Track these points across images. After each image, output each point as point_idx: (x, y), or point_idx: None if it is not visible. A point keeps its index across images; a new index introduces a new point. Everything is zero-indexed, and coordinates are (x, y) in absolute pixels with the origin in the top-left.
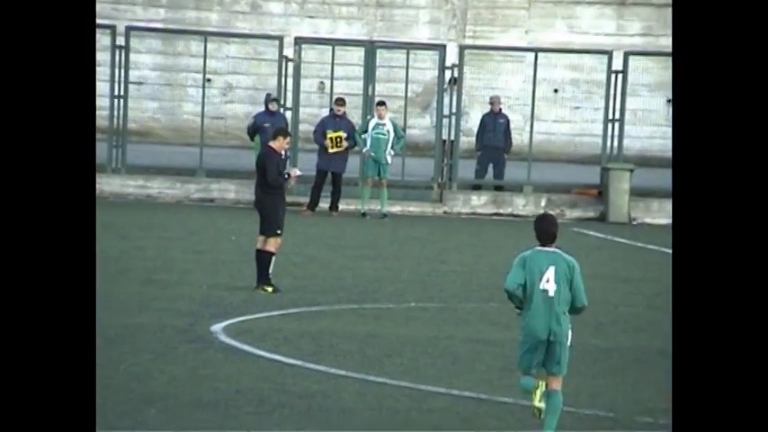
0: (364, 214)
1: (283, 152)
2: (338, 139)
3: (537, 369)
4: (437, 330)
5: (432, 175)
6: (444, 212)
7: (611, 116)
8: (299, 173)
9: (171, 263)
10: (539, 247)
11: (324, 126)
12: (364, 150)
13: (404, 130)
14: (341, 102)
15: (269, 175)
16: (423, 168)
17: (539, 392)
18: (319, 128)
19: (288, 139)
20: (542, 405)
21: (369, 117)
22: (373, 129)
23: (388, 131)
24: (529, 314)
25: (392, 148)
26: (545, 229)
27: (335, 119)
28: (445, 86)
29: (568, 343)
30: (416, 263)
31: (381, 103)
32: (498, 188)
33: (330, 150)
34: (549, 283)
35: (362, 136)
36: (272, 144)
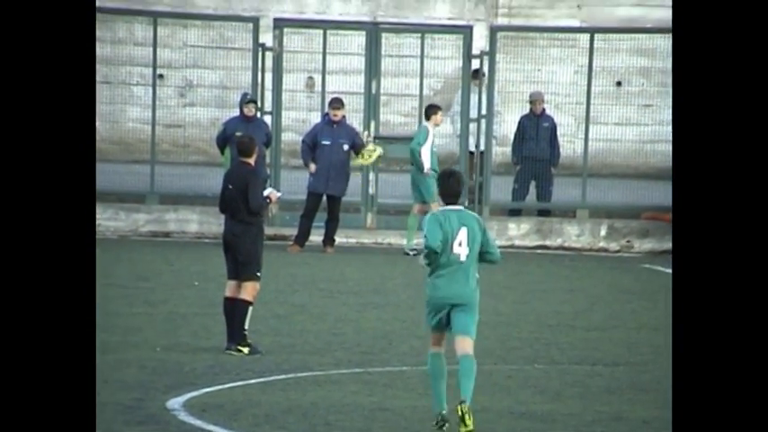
0: (412, 252)
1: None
2: (374, 154)
3: (446, 332)
4: None
5: None
6: None
7: None
8: (279, 195)
9: (113, 319)
10: (447, 207)
11: (316, 136)
12: (427, 169)
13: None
14: (338, 104)
15: (253, 198)
16: None
17: (465, 416)
18: (309, 138)
19: (258, 151)
20: (472, 427)
21: (424, 125)
22: (432, 141)
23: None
24: (438, 276)
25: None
26: (450, 186)
27: (332, 126)
28: (474, 82)
29: (478, 305)
30: None
31: (440, 108)
32: (544, 213)
33: (359, 160)
34: (461, 247)
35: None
36: (250, 160)
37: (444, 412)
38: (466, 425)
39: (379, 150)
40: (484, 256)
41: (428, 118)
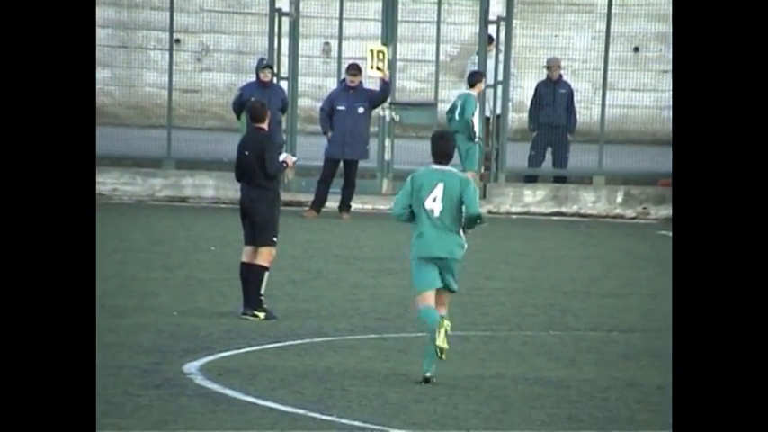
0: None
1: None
2: (380, 55)
3: (434, 287)
4: (481, 367)
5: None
6: (489, 212)
7: None
8: (295, 159)
9: (130, 283)
10: (433, 165)
11: (333, 102)
12: (477, 139)
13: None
14: (355, 69)
15: (270, 163)
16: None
17: (443, 332)
18: (327, 105)
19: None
20: (446, 346)
21: (468, 93)
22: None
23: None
24: (417, 232)
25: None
26: (441, 147)
27: (348, 92)
28: (489, 48)
29: (460, 259)
30: None
31: (483, 76)
32: (560, 179)
33: (369, 70)
34: (435, 202)
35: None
36: (263, 125)
37: (429, 375)
38: (442, 339)
39: (377, 47)
40: (465, 212)
41: (472, 86)
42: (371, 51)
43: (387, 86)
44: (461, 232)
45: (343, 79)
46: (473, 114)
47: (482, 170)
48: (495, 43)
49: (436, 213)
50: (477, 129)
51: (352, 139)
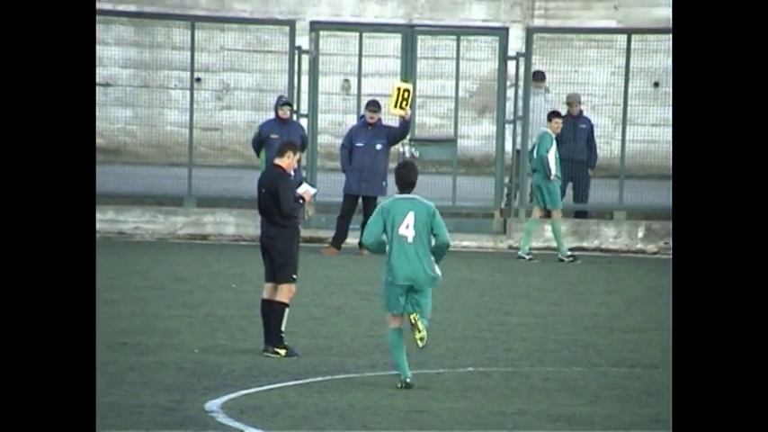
0: (527, 257)
1: (293, 172)
2: (405, 93)
3: (402, 311)
4: (503, 404)
5: (492, 200)
6: (510, 247)
7: None
8: (313, 191)
9: (151, 321)
10: (397, 195)
11: (352, 138)
12: (552, 176)
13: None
14: (374, 106)
15: (284, 202)
16: (480, 190)
17: (416, 326)
18: (347, 142)
19: (298, 155)
20: (424, 333)
21: (544, 133)
22: (556, 147)
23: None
24: (391, 259)
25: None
26: (404, 177)
27: (367, 128)
28: (537, 85)
29: (437, 283)
30: (474, 314)
31: (559, 114)
32: (581, 214)
33: (393, 109)
34: (408, 229)
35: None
36: (280, 162)
37: (408, 380)
38: (419, 329)
39: (409, 86)
40: (434, 238)
41: (550, 121)
42: (398, 90)
43: (406, 124)
44: (432, 258)
45: (362, 115)
46: (547, 151)
47: (544, 208)
48: (545, 82)
49: (410, 240)
50: (552, 166)
51: (369, 176)
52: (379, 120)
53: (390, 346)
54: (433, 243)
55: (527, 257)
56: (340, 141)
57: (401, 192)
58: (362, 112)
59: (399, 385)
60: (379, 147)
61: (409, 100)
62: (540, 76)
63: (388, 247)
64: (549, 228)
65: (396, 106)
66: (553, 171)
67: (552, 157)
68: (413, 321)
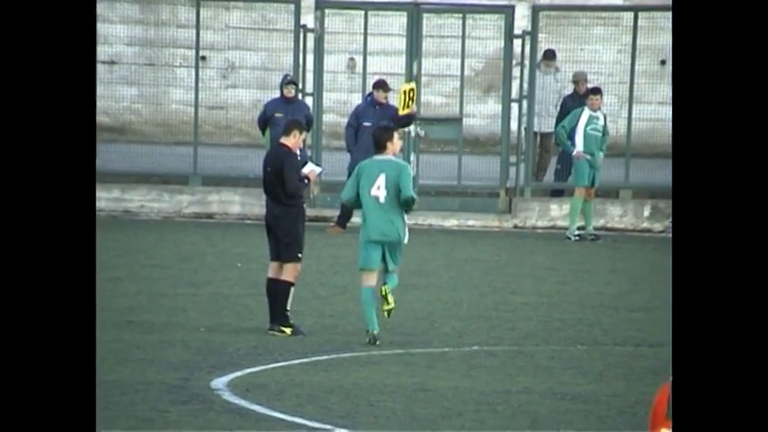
0: (579, 235)
1: (298, 151)
2: (411, 93)
3: (376, 267)
4: (508, 382)
5: (497, 179)
6: (515, 227)
7: None
8: (318, 171)
9: (157, 299)
10: (375, 156)
11: (359, 117)
12: (575, 152)
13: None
14: (383, 86)
15: (289, 182)
16: (485, 170)
17: (385, 298)
18: (354, 121)
19: (303, 134)
20: (393, 305)
21: (578, 109)
22: (587, 123)
23: (602, 127)
24: (364, 217)
25: (601, 149)
26: (376, 137)
27: (375, 108)
28: (548, 64)
29: (405, 240)
30: (479, 294)
31: (597, 91)
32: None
33: (401, 111)
34: (379, 189)
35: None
36: (286, 141)
37: (375, 332)
38: (388, 302)
39: (413, 85)
40: (399, 193)
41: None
42: (404, 92)
43: (412, 115)
44: (404, 216)
45: (369, 94)
46: (563, 127)
47: (590, 187)
48: (555, 60)
49: (381, 200)
50: (577, 142)
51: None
52: (387, 100)
53: (362, 302)
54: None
55: (573, 238)
56: (345, 120)
57: (376, 153)
58: (369, 90)
59: (368, 339)
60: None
61: (414, 98)
62: (550, 55)
63: (363, 208)
64: (554, 207)
65: (404, 108)
66: (578, 147)
67: (579, 134)
68: (383, 293)
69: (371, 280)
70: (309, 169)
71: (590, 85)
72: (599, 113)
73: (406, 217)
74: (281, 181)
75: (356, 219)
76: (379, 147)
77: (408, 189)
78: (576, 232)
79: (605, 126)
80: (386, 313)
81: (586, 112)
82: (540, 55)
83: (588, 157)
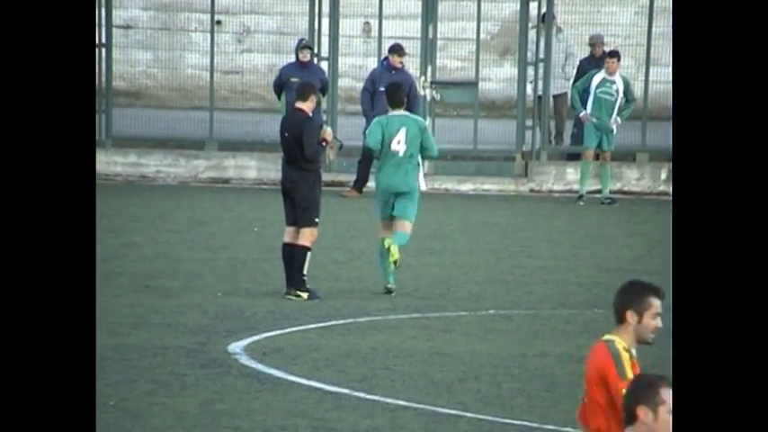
0: (581, 197)
1: (310, 114)
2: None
3: (389, 218)
4: (525, 346)
5: (513, 143)
6: (531, 191)
7: None
8: (331, 134)
9: (174, 264)
10: (391, 112)
11: (375, 82)
12: (582, 114)
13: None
14: (399, 51)
15: (308, 146)
16: (501, 133)
17: (391, 250)
18: (370, 86)
19: (318, 97)
20: (397, 255)
21: (593, 71)
22: (598, 86)
23: (617, 91)
24: (382, 170)
25: (619, 114)
26: (393, 94)
27: (391, 72)
28: (532, 25)
29: (424, 188)
30: (496, 258)
31: (613, 54)
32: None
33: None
34: (399, 144)
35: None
36: (302, 105)
37: (388, 285)
38: (391, 253)
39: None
40: (423, 151)
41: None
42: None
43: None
44: (419, 167)
45: (385, 58)
46: (575, 87)
47: (600, 150)
48: (554, 21)
49: (401, 154)
50: (587, 104)
51: None
52: (403, 65)
53: (380, 254)
54: (423, 153)
55: (581, 203)
56: (361, 85)
57: (393, 109)
58: (384, 54)
59: (385, 290)
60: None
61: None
62: (544, 18)
63: (380, 160)
64: (570, 170)
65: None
66: (586, 110)
67: (590, 96)
68: (387, 246)
69: (387, 228)
70: (326, 131)
71: (606, 48)
72: (616, 77)
73: (421, 168)
74: (299, 146)
75: (372, 183)
76: (397, 103)
77: (434, 148)
78: (581, 193)
79: (627, 90)
80: (392, 263)
81: (599, 75)
82: (558, 18)
83: (595, 120)
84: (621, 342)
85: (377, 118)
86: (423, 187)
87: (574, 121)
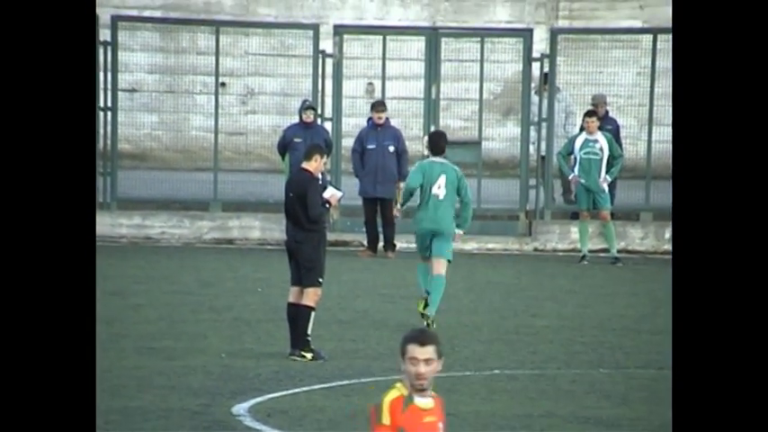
0: (584, 257)
1: (319, 175)
2: None
3: (428, 255)
4: (530, 406)
5: (517, 202)
6: (535, 249)
7: None
8: (339, 195)
9: (179, 326)
10: (432, 158)
11: (362, 141)
12: (571, 177)
13: (619, 148)
14: (381, 106)
15: (312, 206)
16: (505, 192)
17: (421, 305)
18: (358, 146)
19: (324, 158)
20: (430, 320)
21: (575, 134)
22: (581, 148)
23: (601, 149)
24: (422, 211)
25: (608, 171)
26: (435, 143)
27: (377, 129)
28: (534, 87)
29: (454, 234)
30: (500, 317)
31: (591, 113)
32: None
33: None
34: (440, 189)
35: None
36: (308, 166)
37: (427, 297)
38: (425, 317)
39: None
40: (460, 197)
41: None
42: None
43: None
44: (453, 213)
45: (370, 118)
46: (560, 153)
47: (596, 210)
48: (547, 83)
49: (441, 197)
50: (573, 168)
51: (384, 177)
52: (387, 120)
53: (418, 271)
54: (459, 205)
55: (585, 262)
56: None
57: (434, 155)
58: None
59: (423, 301)
60: (391, 149)
61: None
62: (546, 78)
63: (418, 200)
64: (575, 230)
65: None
66: (574, 173)
67: (577, 158)
68: (420, 312)
69: (427, 260)
70: (330, 194)
71: (609, 108)
72: (597, 135)
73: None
74: (303, 206)
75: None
76: (439, 150)
77: (469, 195)
78: (584, 253)
79: (612, 147)
80: (423, 315)
81: (582, 137)
82: (560, 78)
83: (582, 181)
84: None
85: (419, 163)
86: (459, 232)
87: (561, 182)
